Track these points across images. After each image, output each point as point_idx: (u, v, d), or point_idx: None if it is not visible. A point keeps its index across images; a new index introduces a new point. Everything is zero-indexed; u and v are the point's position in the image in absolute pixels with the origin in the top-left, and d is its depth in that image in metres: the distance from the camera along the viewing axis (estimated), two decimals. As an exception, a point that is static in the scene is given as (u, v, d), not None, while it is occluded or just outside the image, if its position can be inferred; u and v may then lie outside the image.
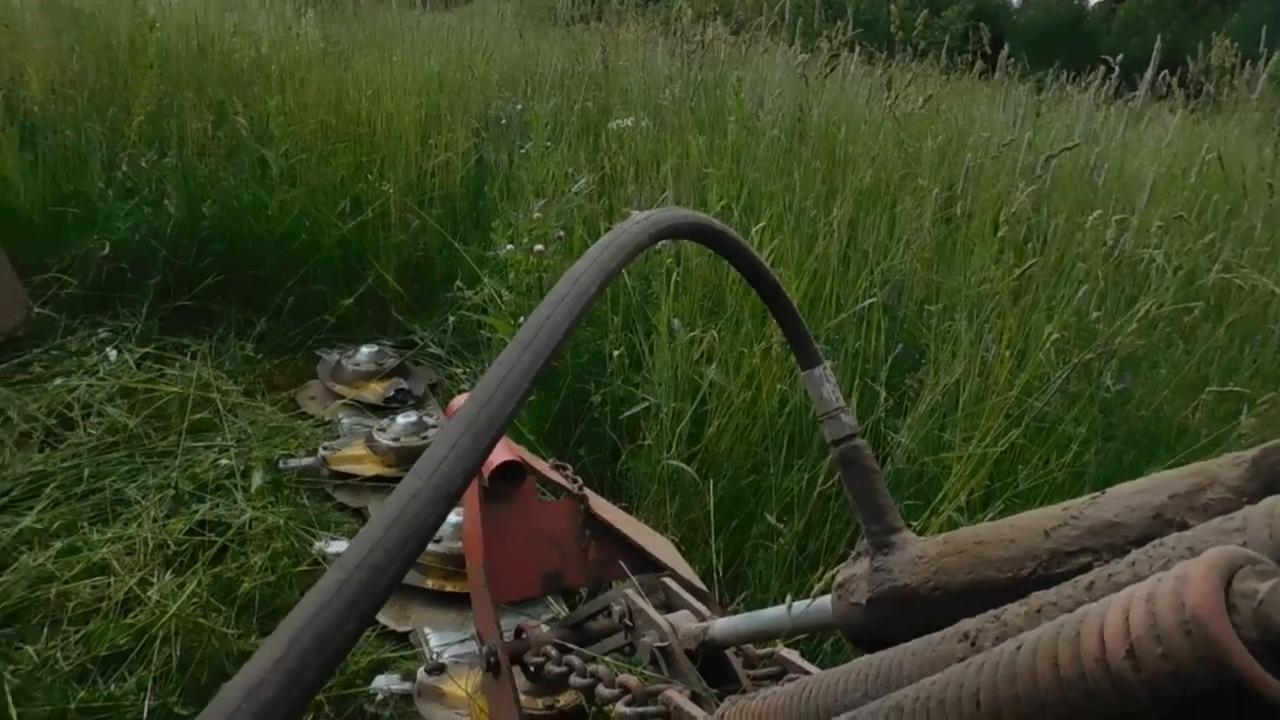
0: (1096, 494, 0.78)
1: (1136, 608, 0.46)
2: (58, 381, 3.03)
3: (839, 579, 1.00)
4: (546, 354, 0.66)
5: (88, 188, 3.80)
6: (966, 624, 0.73)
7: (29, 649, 1.97)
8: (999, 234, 2.78)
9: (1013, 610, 0.70)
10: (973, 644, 0.71)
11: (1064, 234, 2.82)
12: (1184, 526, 0.65)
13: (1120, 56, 4.33)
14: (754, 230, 2.72)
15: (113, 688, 1.90)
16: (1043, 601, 0.68)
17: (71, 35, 4.41)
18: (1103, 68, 4.38)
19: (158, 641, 2.00)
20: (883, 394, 2.43)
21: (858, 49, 4.61)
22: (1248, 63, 4.42)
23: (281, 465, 2.80)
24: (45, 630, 2.04)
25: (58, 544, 2.28)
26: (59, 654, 1.97)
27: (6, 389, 2.92)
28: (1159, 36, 3.63)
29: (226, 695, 0.43)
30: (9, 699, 1.82)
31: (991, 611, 0.72)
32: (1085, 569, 0.70)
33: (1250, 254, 2.86)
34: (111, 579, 2.18)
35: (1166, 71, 3.71)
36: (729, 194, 3.16)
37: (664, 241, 2.85)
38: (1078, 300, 2.44)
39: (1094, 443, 2.30)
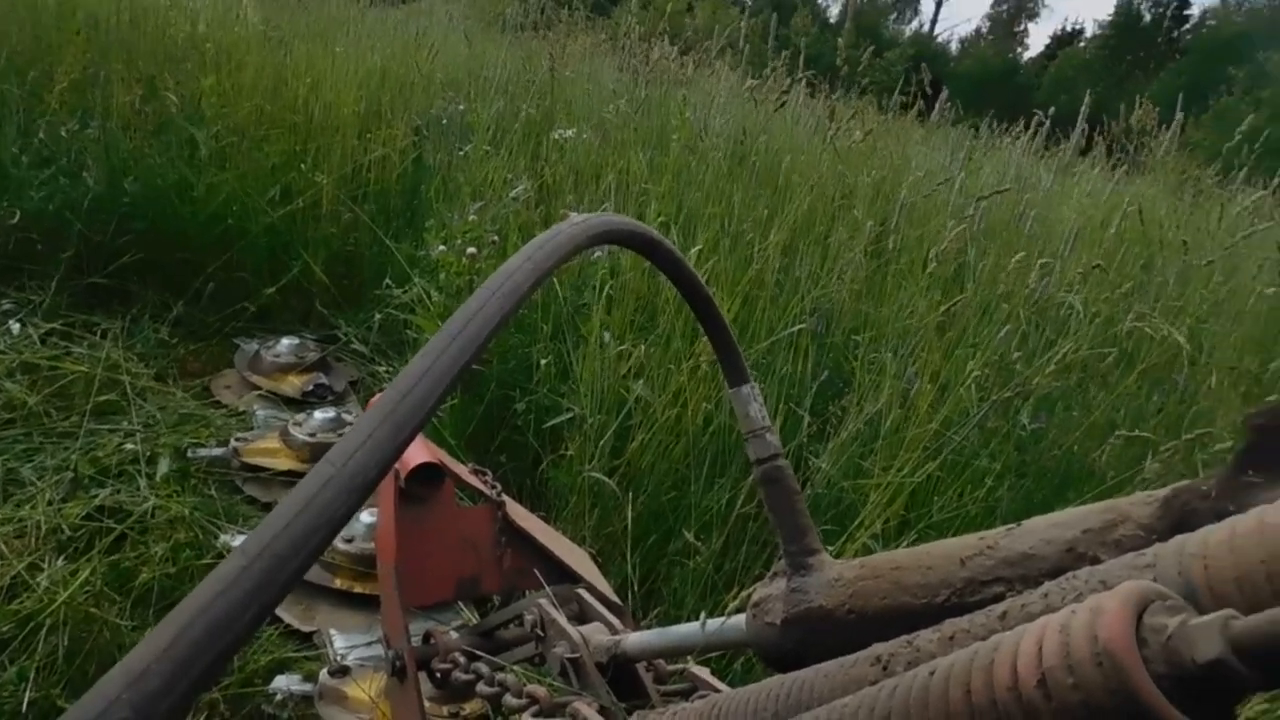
0: (1013, 525, 0.80)
1: (1050, 637, 0.46)
2: (-48, 353, 2.88)
3: (755, 598, 1.00)
4: (474, 347, 0.64)
5: (1, 153, 3.62)
6: (879, 648, 0.73)
7: (-101, 632, 1.86)
8: (928, 270, 2.85)
9: (926, 636, 0.71)
10: (885, 668, 0.71)
11: (990, 275, 2.90)
12: (1095, 561, 0.66)
13: (1051, 110, 4.51)
14: (691, 251, 2.74)
15: (-9, 677, 1.80)
16: (956, 629, 0.69)
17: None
18: (1035, 118, 4.56)
19: (44, 630, 1.89)
20: (806, 419, 2.46)
21: (803, 80, 4.70)
22: (1163, 126, 4.65)
23: (190, 454, 2.70)
24: (-77, 618, 1.93)
25: (-61, 524, 2.16)
26: (-64, 643, 1.86)
27: (-106, 358, 2.76)
28: (1087, 92, 3.79)
29: (106, 684, 0.40)
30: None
31: (905, 637, 0.72)
32: (999, 598, 0.71)
33: (1163, 306, 2.99)
34: (-2, 562, 2.07)
35: (1086, 126, 3.88)
36: (667, 212, 3.17)
37: (600, 248, 2.85)
38: (999, 339, 2.51)
39: (1007, 478, 2.36)
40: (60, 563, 2.10)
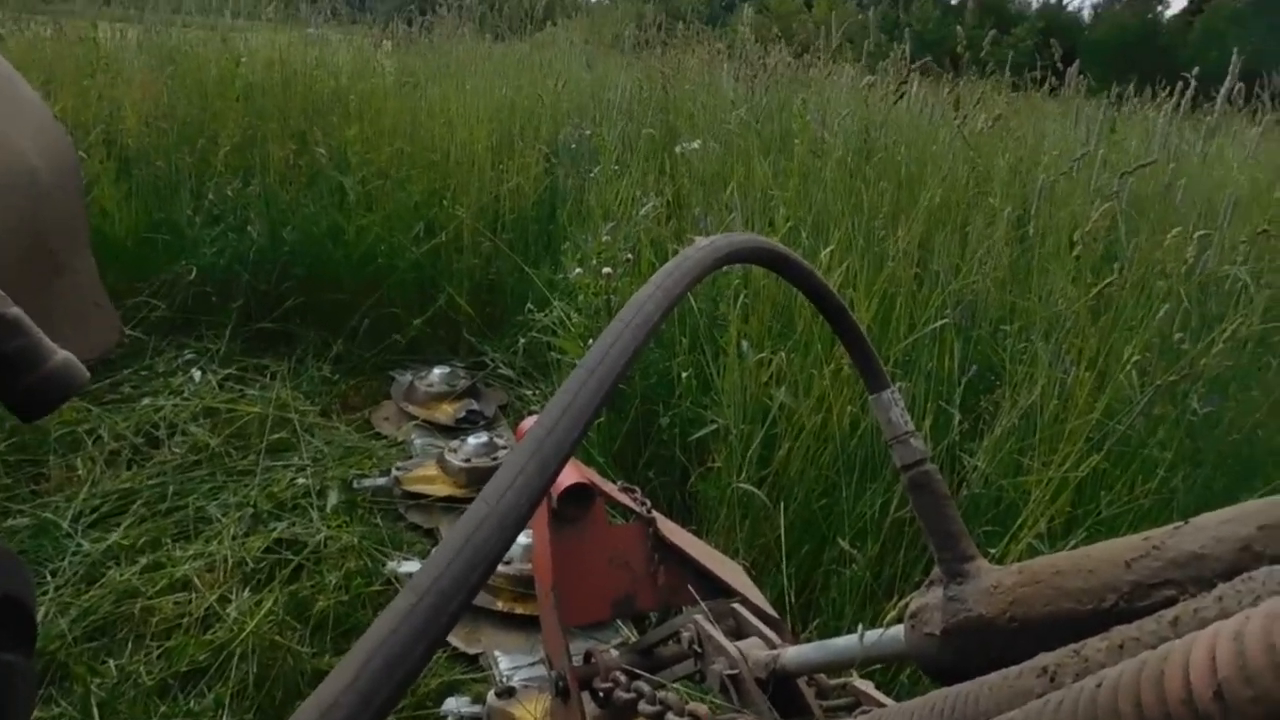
0: (1179, 524, 0.76)
1: (1223, 646, 0.44)
2: (145, 401, 3.16)
3: (912, 608, 0.98)
4: (611, 379, 0.67)
5: (177, 215, 3.96)
6: (1045, 658, 0.71)
7: (113, 663, 2.04)
8: (1075, 253, 2.71)
9: (1093, 645, 0.68)
10: (1052, 679, 0.69)
11: (1143, 252, 2.73)
12: (1276, 560, 0.62)
13: (1197, 70, 4.19)
14: (823, 253, 2.70)
15: (192, 703, 1.96)
16: (1124, 636, 0.66)
17: (165, 72, 4.62)
18: (1180, 82, 4.25)
19: (235, 658, 2.05)
20: (957, 417, 2.38)
21: (918, 68, 4.56)
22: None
23: (356, 485, 2.86)
24: (130, 644, 2.11)
25: (143, 560, 2.37)
26: (141, 668, 2.03)
27: (98, 409, 3.05)
28: (1234, 51, 3.50)
29: (301, 715, 0.45)
30: (95, 712, 1.89)
31: (1071, 646, 0.70)
32: (1169, 602, 0.68)
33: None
34: (193, 595, 2.25)
35: (1241, 84, 3.57)
36: (796, 215, 3.14)
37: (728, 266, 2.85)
38: (1159, 320, 2.36)
39: (1181, 468, 2.21)
40: (246, 594, 2.27)
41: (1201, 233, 2.52)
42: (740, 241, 0.94)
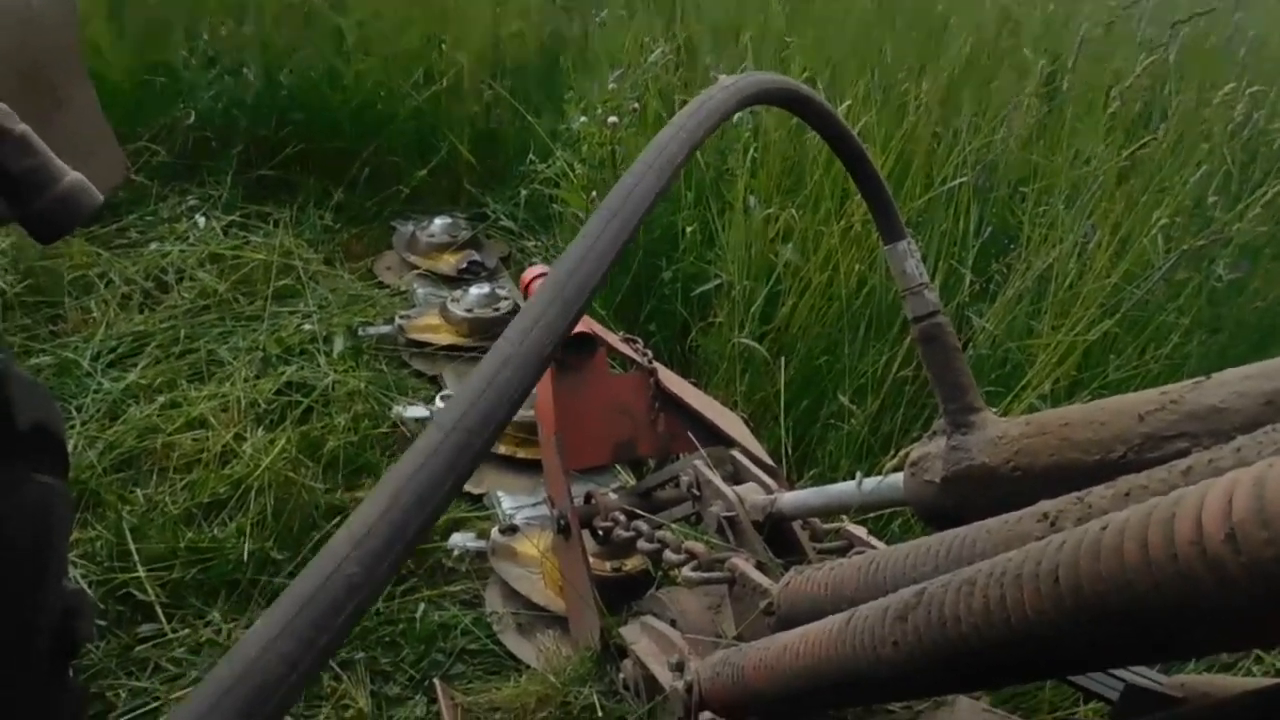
0: (1199, 378, 0.74)
1: (1242, 491, 0.42)
2: (152, 247, 3.15)
3: (913, 456, 0.98)
4: (634, 223, 0.65)
5: (171, 57, 3.82)
6: (1047, 504, 0.70)
7: (140, 492, 2.13)
8: (1109, 110, 2.58)
9: (1098, 493, 0.67)
10: (1052, 524, 0.68)
11: (1188, 111, 2.59)
12: (1299, 414, 0.60)
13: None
14: (840, 108, 2.59)
15: (215, 531, 2.05)
16: (1132, 485, 0.65)
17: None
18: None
19: (253, 492, 2.12)
20: (969, 278, 2.34)
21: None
22: None
23: (360, 332, 2.87)
24: (154, 476, 2.20)
25: (160, 399, 2.42)
26: (167, 498, 2.12)
27: (107, 253, 3.04)
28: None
29: (336, 544, 0.45)
30: (128, 535, 1.98)
31: (1074, 494, 0.69)
32: (1180, 455, 0.66)
33: None
34: (210, 433, 2.30)
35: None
36: (813, 67, 3.00)
37: (747, 109, 2.75)
38: (1194, 182, 2.27)
39: (1197, 334, 2.18)
40: (260, 433, 2.32)
41: (1256, 88, 2.39)
42: (766, 82, 0.90)
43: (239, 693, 0.38)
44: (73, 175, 0.72)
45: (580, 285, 0.60)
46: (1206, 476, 0.53)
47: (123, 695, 1.71)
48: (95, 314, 2.78)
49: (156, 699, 1.72)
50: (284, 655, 0.40)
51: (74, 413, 2.34)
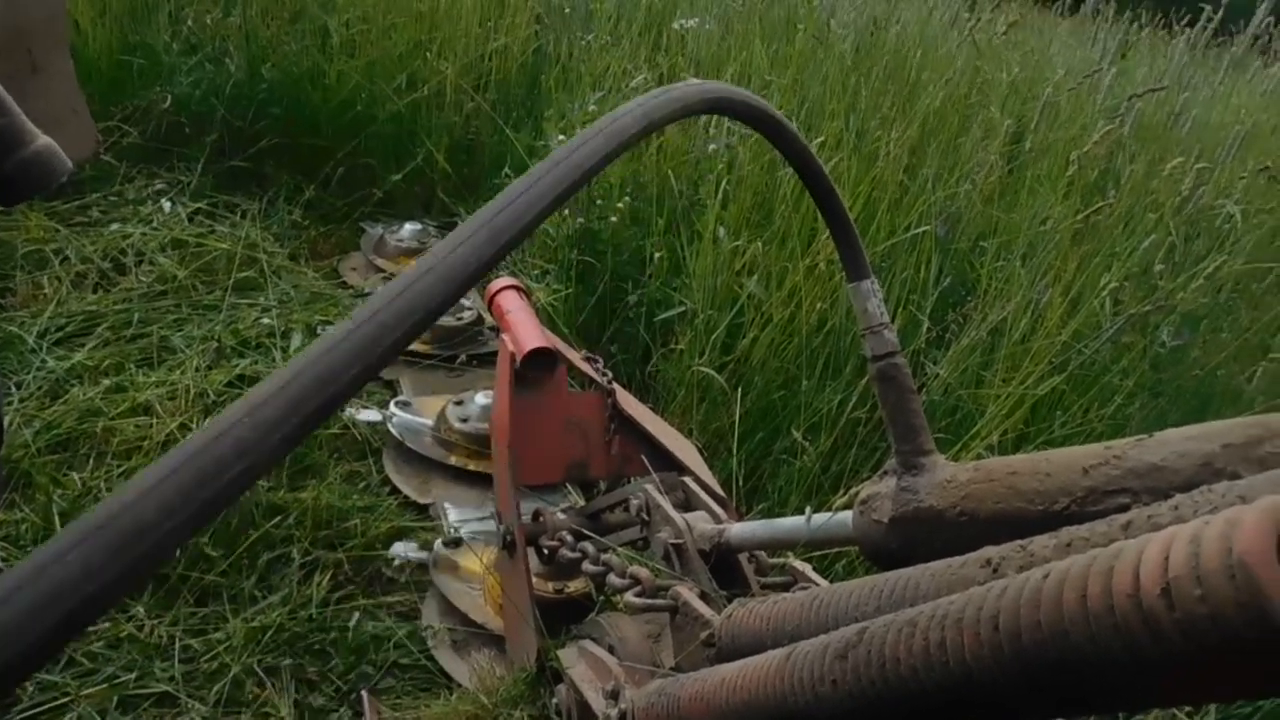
0: (1142, 436, 0.76)
1: (1179, 547, 0.44)
2: (114, 227, 3.08)
3: (863, 495, 0.99)
4: (575, 176, 0.66)
5: (153, 39, 3.77)
6: (990, 551, 0.72)
7: (75, 476, 2.07)
8: (1068, 174, 2.67)
9: (1040, 542, 0.69)
10: (995, 570, 0.70)
11: (1138, 182, 2.69)
12: (1235, 477, 0.63)
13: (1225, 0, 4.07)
14: (812, 146, 2.63)
15: (149, 524, 1.99)
16: (1074, 536, 0.66)
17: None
18: (1204, 11, 4.13)
19: (193, 484, 2.07)
20: (926, 324, 2.39)
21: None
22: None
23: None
24: (91, 461, 2.14)
25: (106, 381, 2.37)
26: (102, 484, 2.07)
27: (66, 229, 2.97)
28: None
29: (231, 410, 0.46)
30: (56, 520, 1.93)
31: (1018, 541, 0.71)
32: (1123, 509, 0.68)
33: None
34: (154, 420, 2.25)
35: (1273, 18, 3.48)
36: (790, 105, 3.06)
37: (719, 139, 2.75)
38: (1142, 251, 2.35)
39: (1140, 396, 2.25)
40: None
41: (1201, 165, 2.49)
42: (736, 95, 0.90)
43: (112, 528, 0.38)
44: (44, 139, 0.71)
45: (511, 219, 0.61)
46: (1145, 531, 0.55)
47: (29, 689, 1.64)
48: (47, 290, 2.71)
49: (66, 694, 1.65)
50: (162, 502, 0.40)
51: (13, 389, 2.28)
